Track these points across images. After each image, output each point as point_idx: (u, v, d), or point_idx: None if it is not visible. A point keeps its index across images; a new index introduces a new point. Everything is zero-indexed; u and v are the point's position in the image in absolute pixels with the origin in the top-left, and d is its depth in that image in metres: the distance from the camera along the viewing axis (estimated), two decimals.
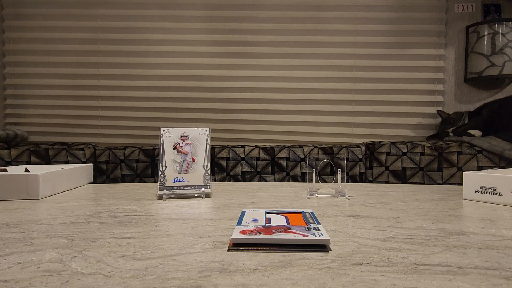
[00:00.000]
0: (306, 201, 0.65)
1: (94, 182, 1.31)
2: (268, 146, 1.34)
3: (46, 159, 1.29)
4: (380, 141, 1.34)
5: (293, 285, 0.28)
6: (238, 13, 1.65)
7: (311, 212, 0.51)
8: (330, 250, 0.36)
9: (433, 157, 1.28)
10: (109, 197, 0.71)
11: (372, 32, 1.66)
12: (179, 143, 0.73)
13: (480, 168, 1.25)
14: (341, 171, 0.70)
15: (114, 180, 1.32)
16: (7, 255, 0.35)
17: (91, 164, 0.97)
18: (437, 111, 1.56)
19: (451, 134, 1.45)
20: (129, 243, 0.39)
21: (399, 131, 1.68)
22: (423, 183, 1.28)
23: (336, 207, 0.59)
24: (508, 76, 1.51)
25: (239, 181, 1.31)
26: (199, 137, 0.75)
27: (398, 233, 0.43)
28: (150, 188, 0.84)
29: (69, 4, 1.66)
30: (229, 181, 1.31)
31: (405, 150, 1.30)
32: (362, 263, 0.32)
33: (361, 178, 1.33)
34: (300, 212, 0.51)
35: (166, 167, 0.71)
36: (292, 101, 1.68)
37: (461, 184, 1.19)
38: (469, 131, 1.38)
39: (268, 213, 0.51)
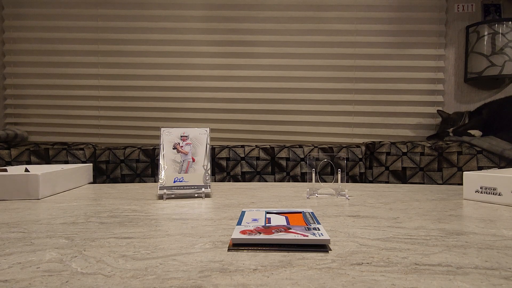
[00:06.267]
0: (306, 201, 0.65)
1: (94, 182, 1.31)
2: (268, 146, 1.34)
3: (46, 159, 1.29)
4: (380, 141, 1.34)
5: (293, 285, 0.28)
6: (238, 13, 1.65)
7: (311, 212, 0.51)
8: (330, 250, 0.36)
9: (433, 157, 1.28)
10: (109, 197, 0.71)
11: (372, 32, 1.66)
12: (179, 143, 0.73)
13: (480, 168, 1.25)
14: (341, 171, 0.70)
15: (114, 180, 1.32)
16: (7, 255, 0.35)
17: (91, 164, 0.97)
18: (438, 111, 1.56)
19: (451, 134, 1.45)
20: (129, 243, 0.39)
21: (399, 131, 1.68)
22: (423, 183, 1.28)
23: (336, 207, 0.59)
24: (508, 76, 1.51)
25: (239, 181, 1.31)
26: (199, 137, 0.75)
27: (398, 233, 0.43)
28: (150, 188, 0.84)
29: (69, 4, 1.66)
30: (229, 181, 1.31)
31: (405, 150, 1.30)
32: (362, 263, 0.32)
33: (361, 178, 1.33)
34: (300, 212, 0.51)
35: (166, 167, 0.71)
36: (292, 101, 1.68)
37: (461, 184, 1.19)
38: (469, 131, 1.38)
39: (268, 213, 0.51)
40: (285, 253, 0.35)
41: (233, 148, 1.33)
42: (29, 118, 1.70)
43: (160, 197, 0.70)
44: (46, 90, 1.68)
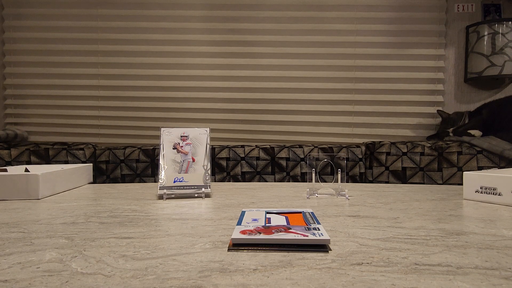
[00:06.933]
0: (306, 201, 0.65)
1: (94, 182, 1.31)
2: (268, 146, 1.34)
3: (46, 159, 1.29)
4: (380, 141, 1.34)
5: (293, 285, 0.28)
6: (238, 13, 1.65)
7: (311, 212, 0.51)
8: (330, 250, 0.36)
9: (433, 157, 1.28)
10: (109, 197, 0.71)
11: (372, 32, 1.66)
12: (179, 143, 0.73)
13: (480, 168, 1.25)
14: (341, 171, 0.70)
15: (114, 180, 1.32)
16: (7, 255, 0.35)
17: (91, 164, 0.97)
18: (437, 111, 1.56)
19: (451, 134, 1.45)
20: (129, 243, 0.39)
21: (399, 131, 1.68)
22: (423, 183, 1.28)
23: (336, 207, 0.59)
24: (508, 76, 1.51)
25: (239, 181, 1.31)
26: (199, 137, 0.75)
27: (398, 233, 0.43)
28: (150, 188, 0.84)
29: (69, 4, 1.66)
30: (229, 181, 1.31)
31: (405, 150, 1.30)
32: (362, 263, 0.32)
33: (361, 178, 1.33)
34: (300, 212, 0.51)
35: (166, 167, 0.71)
36: (292, 101, 1.68)
37: (461, 184, 1.19)
38: (469, 131, 1.38)
39: (268, 213, 0.51)
40: (285, 253, 0.35)
41: (233, 148, 1.33)
42: (29, 118, 1.70)
43: (160, 197, 0.70)
44: (46, 90, 1.68)
